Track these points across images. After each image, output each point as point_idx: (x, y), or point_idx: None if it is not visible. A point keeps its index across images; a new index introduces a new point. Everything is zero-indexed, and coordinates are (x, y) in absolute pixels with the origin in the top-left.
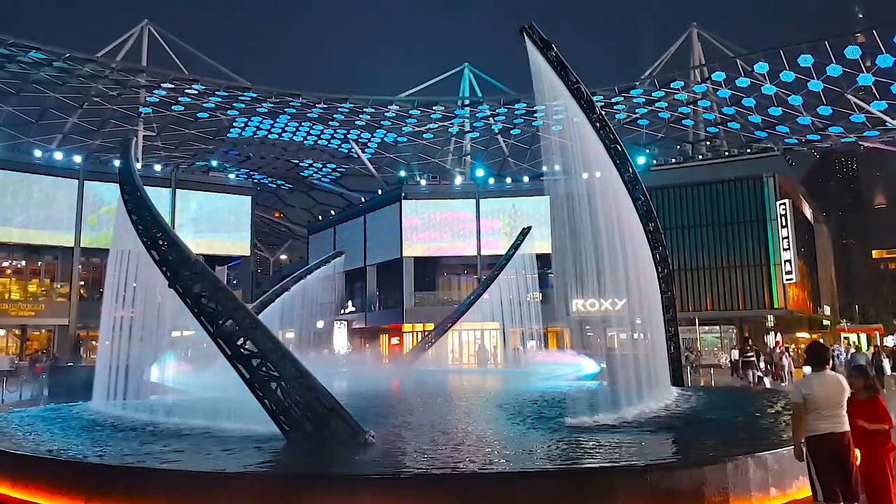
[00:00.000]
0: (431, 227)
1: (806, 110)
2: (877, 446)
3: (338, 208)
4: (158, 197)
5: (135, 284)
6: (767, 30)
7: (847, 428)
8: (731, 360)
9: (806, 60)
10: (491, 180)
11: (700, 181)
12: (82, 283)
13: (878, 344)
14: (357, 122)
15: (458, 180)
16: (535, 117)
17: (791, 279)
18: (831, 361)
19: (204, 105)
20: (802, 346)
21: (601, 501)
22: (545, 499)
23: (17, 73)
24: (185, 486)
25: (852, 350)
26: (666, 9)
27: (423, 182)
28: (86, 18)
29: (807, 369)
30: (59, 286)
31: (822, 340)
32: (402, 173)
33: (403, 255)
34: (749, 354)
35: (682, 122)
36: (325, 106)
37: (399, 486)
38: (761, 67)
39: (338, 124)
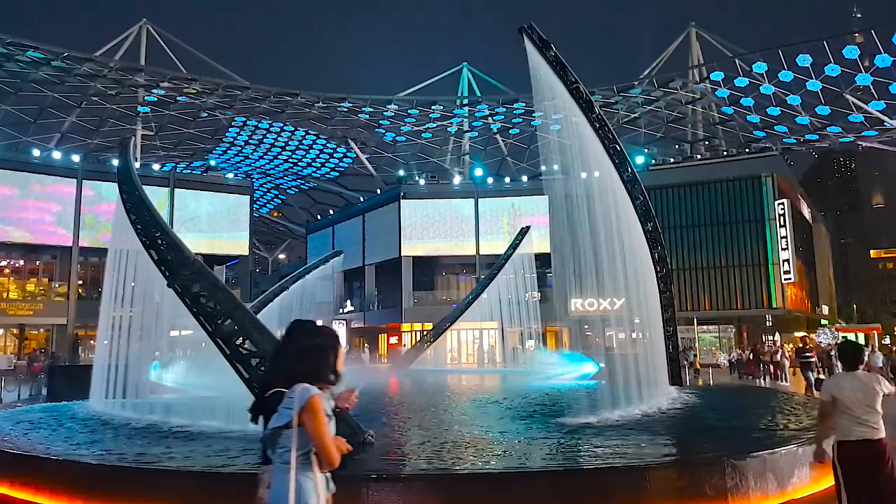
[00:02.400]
0: (430, 227)
1: (804, 110)
2: None
3: (336, 208)
4: (157, 196)
5: (133, 284)
6: (766, 29)
7: (883, 434)
8: (730, 360)
9: (804, 60)
10: (490, 180)
11: (698, 181)
12: (81, 282)
13: None
14: (356, 122)
15: (457, 180)
16: (534, 117)
17: (789, 279)
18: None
19: (202, 104)
20: (801, 345)
21: (599, 501)
22: (543, 498)
23: (15, 72)
24: (185, 486)
25: (868, 350)
26: (664, 9)
27: (422, 181)
28: (84, 18)
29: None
30: (57, 285)
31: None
32: (401, 173)
33: (402, 254)
34: (808, 354)
35: (681, 121)
36: (324, 105)
37: (399, 486)
38: (760, 67)
39: (337, 124)
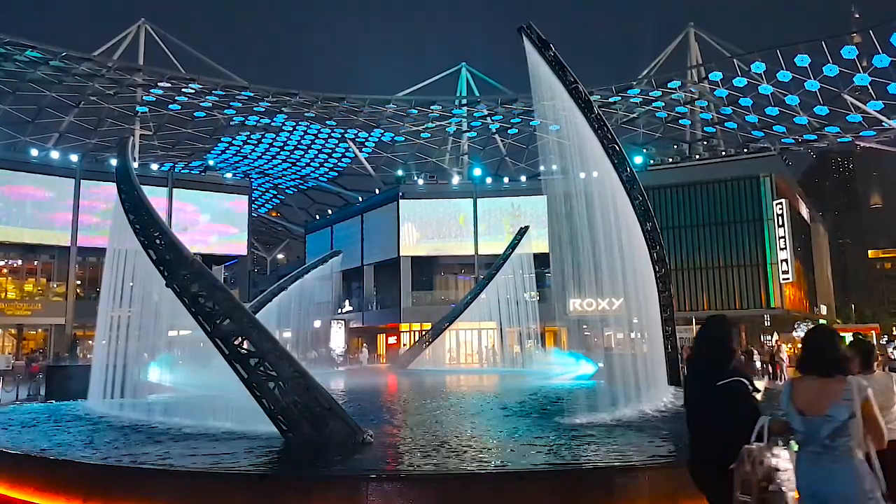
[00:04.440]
0: (429, 227)
1: (803, 110)
2: None
3: (335, 207)
4: (155, 196)
5: (131, 284)
6: (765, 30)
7: None
8: None
9: (803, 60)
10: (488, 180)
11: (697, 181)
12: (79, 282)
13: None
14: (354, 122)
15: (456, 180)
16: (533, 117)
17: (787, 279)
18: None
19: (201, 104)
20: (799, 345)
21: (599, 501)
22: (543, 498)
23: (13, 71)
24: (184, 486)
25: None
26: (664, 9)
27: (421, 181)
28: (83, 17)
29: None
30: (55, 285)
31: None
32: (400, 173)
33: (401, 254)
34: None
35: (680, 121)
36: (323, 105)
37: (398, 486)
38: (758, 67)
39: (335, 123)
